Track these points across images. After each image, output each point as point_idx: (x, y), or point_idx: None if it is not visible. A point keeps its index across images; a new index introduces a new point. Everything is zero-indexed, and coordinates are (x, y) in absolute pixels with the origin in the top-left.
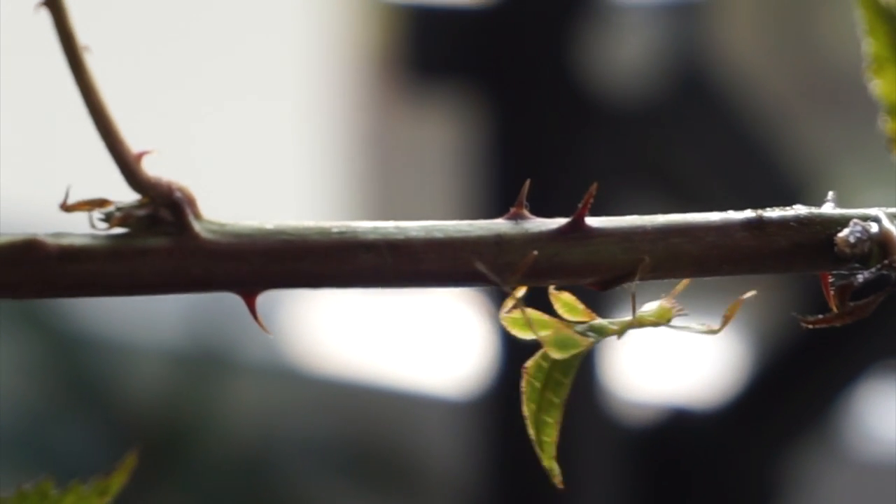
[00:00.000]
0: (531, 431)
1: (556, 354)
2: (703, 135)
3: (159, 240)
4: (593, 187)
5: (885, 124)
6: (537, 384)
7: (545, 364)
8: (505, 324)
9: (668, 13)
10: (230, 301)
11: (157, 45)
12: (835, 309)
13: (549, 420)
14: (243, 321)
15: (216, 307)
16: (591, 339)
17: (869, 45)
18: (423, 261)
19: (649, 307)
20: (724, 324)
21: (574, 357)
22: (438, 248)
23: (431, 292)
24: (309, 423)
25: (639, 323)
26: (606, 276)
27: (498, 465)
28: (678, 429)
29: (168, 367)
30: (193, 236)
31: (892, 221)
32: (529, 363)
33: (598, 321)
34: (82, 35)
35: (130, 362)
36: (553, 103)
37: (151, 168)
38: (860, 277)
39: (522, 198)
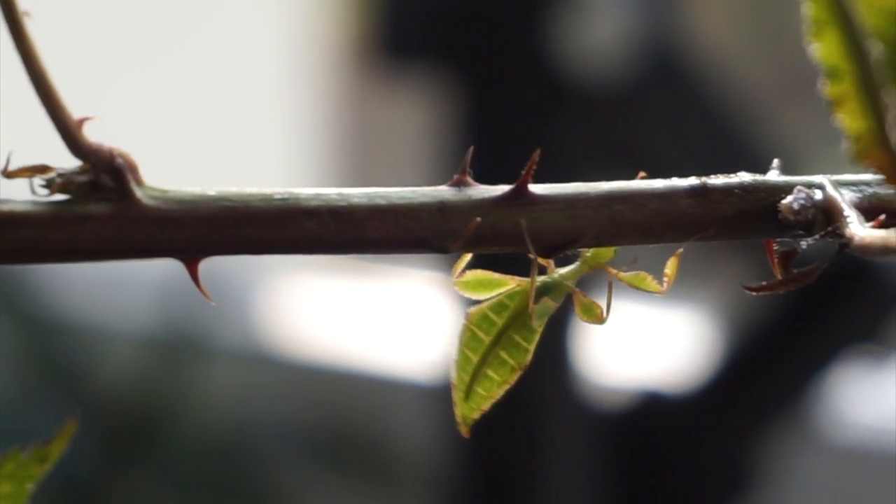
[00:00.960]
0: (456, 375)
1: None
2: (676, 117)
3: (100, 206)
4: (536, 153)
5: (826, 87)
6: (481, 335)
7: (496, 319)
8: (457, 287)
9: None
10: (204, 285)
11: (135, 31)
12: (778, 276)
13: (494, 377)
14: (217, 306)
15: (190, 291)
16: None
17: (808, 9)
18: (366, 228)
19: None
20: (668, 284)
21: (544, 312)
22: (381, 214)
23: (404, 277)
24: (283, 407)
25: (587, 265)
26: (550, 243)
27: (471, 450)
28: (651, 413)
29: (141, 352)
30: (135, 202)
31: (836, 189)
32: (473, 310)
33: (550, 276)
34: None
35: (103, 347)
36: (526, 85)
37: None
38: (804, 244)
39: (466, 165)
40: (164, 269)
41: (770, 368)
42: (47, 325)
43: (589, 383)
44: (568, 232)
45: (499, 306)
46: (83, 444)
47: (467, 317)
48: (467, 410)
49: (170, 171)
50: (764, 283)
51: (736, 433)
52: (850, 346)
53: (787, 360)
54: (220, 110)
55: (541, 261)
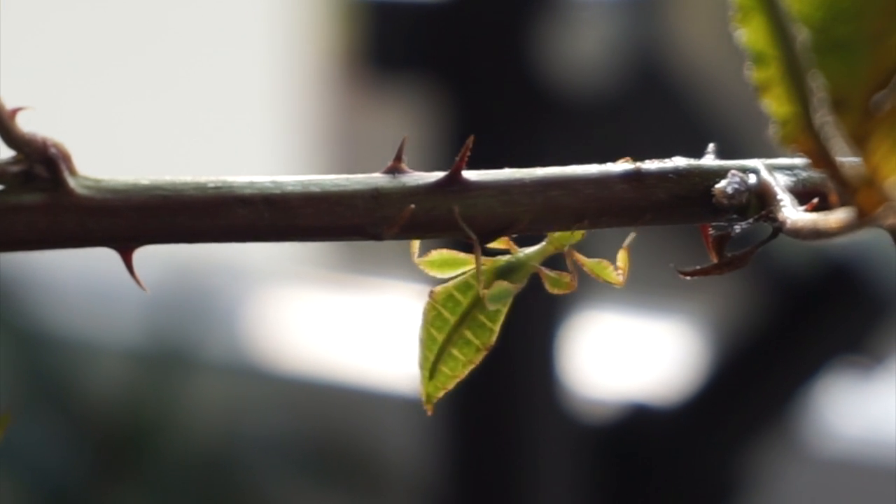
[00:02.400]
0: (421, 354)
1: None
2: (661, 128)
3: (34, 196)
4: (470, 139)
5: (752, 72)
6: (447, 314)
7: (461, 298)
8: (422, 266)
9: (626, 7)
10: (192, 299)
11: (124, 30)
12: (714, 259)
13: (459, 357)
14: (205, 319)
15: (177, 305)
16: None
17: None
18: (300, 215)
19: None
20: (623, 275)
21: (500, 296)
22: (315, 202)
23: (390, 289)
24: (271, 420)
25: (552, 246)
26: (485, 229)
27: (458, 462)
28: (639, 425)
29: (130, 365)
30: (68, 192)
31: (770, 172)
32: (438, 289)
33: (515, 256)
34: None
35: (92, 360)
36: (512, 96)
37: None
38: (737, 228)
39: (401, 152)
40: (153, 283)
41: (757, 380)
42: (35, 339)
43: (576, 395)
44: (503, 218)
45: (464, 286)
46: (72, 457)
47: (432, 295)
48: (432, 389)
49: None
50: (699, 267)
51: (723, 445)
52: (837, 357)
53: (774, 371)
54: (207, 119)
55: (505, 243)
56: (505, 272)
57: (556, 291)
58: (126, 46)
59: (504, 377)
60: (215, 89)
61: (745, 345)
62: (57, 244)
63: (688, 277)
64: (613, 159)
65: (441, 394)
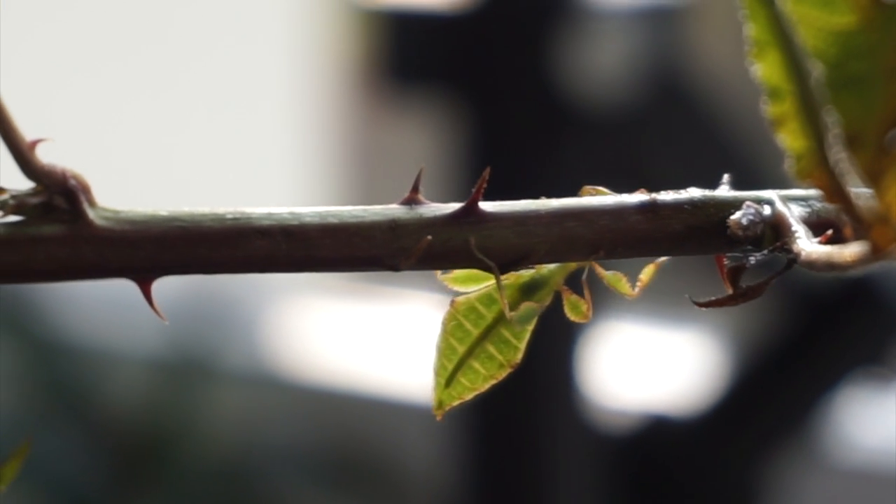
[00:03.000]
0: (437, 361)
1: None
2: (681, 140)
3: (54, 227)
4: (486, 172)
5: (768, 107)
6: (469, 325)
7: (485, 311)
8: (445, 282)
9: (645, 19)
10: (211, 309)
11: (142, 51)
12: (729, 290)
13: (481, 370)
14: (224, 330)
15: (198, 315)
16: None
17: (750, 30)
18: (318, 246)
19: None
20: (640, 289)
21: (527, 316)
22: (333, 233)
23: (409, 300)
24: (290, 430)
25: (575, 263)
26: (501, 260)
27: (477, 472)
28: (657, 436)
29: (149, 375)
30: (88, 223)
31: (785, 204)
32: (460, 299)
33: (539, 272)
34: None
35: (111, 370)
36: (531, 109)
37: (128, 182)
38: (752, 260)
39: (418, 183)
40: (172, 292)
41: (776, 391)
42: (55, 348)
43: (596, 406)
44: (519, 249)
45: (487, 298)
46: (91, 467)
47: (454, 305)
48: (446, 397)
49: (178, 194)
50: (713, 298)
51: (743, 456)
52: (856, 368)
53: (794, 382)
54: (228, 132)
55: None
56: (528, 289)
57: (572, 317)
58: (147, 61)
59: (524, 387)
60: (235, 102)
61: (765, 356)
62: (76, 275)
63: (703, 308)
64: (632, 172)
65: (455, 403)
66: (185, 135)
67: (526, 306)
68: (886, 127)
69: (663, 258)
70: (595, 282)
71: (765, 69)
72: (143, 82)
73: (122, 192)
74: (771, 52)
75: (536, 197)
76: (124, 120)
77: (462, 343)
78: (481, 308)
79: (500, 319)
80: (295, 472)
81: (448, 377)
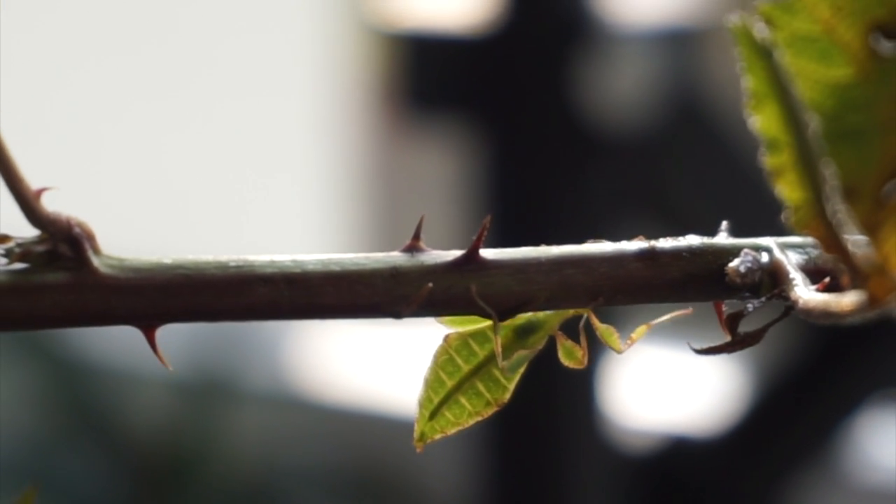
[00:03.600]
0: (423, 393)
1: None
2: (701, 164)
3: (59, 275)
4: (487, 220)
5: (766, 158)
6: (460, 361)
7: (477, 349)
8: (443, 324)
9: (665, 43)
10: (233, 331)
11: (163, 79)
12: (727, 337)
13: (467, 406)
14: (246, 350)
15: (219, 336)
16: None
17: (748, 82)
18: (321, 294)
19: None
20: (629, 345)
21: (517, 364)
22: (335, 281)
23: (429, 322)
24: (312, 451)
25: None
26: (502, 307)
27: (499, 492)
28: (679, 457)
29: (171, 396)
30: (92, 271)
31: (783, 251)
32: (453, 334)
33: (535, 315)
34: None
35: (134, 391)
36: (551, 132)
37: (146, 204)
38: (750, 307)
39: (419, 230)
40: None
41: (797, 412)
42: (78, 370)
43: (617, 426)
44: (519, 296)
45: (481, 336)
46: (114, 487)
47: (447, 339)
48: (429, 430)
49: (198, 219)
50: (714, 345)
51: (764, 477)
52: (878, 389)
53: (815, 403)
54: (248, 156)
55: None
56: (523, 332)
57: (567, 363)
58: (168, 88)
59: (545, 407)
60: (256, 125)
61: (786, 377)
62: (81, 322)
63: (703, 355)
64: (652, 196)
65: (438, 436)
66: (205, 155)
67: (518, 355)
68: (883, 179)
69: (658, 320)
70: (615, 320)
71: (763, 121)
72: (162, 107)
73: (144, 225)
74: (769, 105)
75: (558, 221)
76: (143, 151)
77: (451, 378)
78: (474, 345)
79: (491, 358)
80: (316, 493)
81: (433, 410)
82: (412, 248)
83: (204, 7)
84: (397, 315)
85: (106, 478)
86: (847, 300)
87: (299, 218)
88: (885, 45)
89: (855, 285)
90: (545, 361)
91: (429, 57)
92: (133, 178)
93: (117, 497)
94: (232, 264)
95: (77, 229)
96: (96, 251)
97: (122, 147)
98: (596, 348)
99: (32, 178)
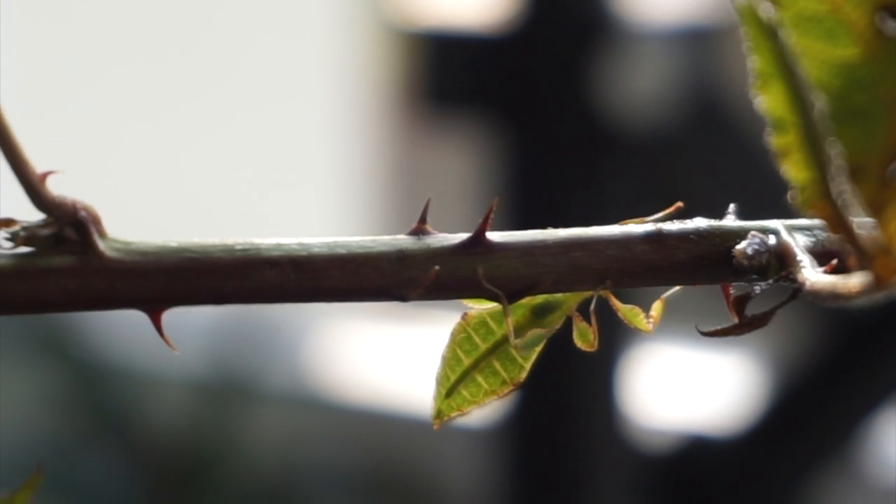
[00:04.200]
0: (441, 371)
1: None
2: (719, 162)
3: (64, 258)
4: (494, 202)
5: (772, 139)
6: (477, 339)
7: (495, 327)
8: (462, 302)
9: (683, 42)
10: (253, 330)
11: (181, 77)
12: (735, 319)
13: (483, 385)
14: (265, 351)
15: (238, 337)
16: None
17: (754, 62)
18: (327, 277)
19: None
20: (654, 324)
21: (532, 342)
22: (341, 264)
23: (448, 321)
24: (331, 451)
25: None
26: (509, 290)
27: (518, 492)
28: (698, 456)
29: (190, 397)
30: (98, 254)
31: (790, 234)
32: (472, 312)
33: (553, 296)
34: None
35: (153, 392)
36: (569, 131)
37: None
38: (757, 289)
39: (425, 213)
40: (214, 314)
41: (817, 411)
42: (97, 371)
43: (636, 426)
44: (526, 279)
45: (499, 315)
46: (133, 488)
47: (465, 318)
48: (446, 407)
49: (216, 218)
50: (722, 328)
51: (783, 476)
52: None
53: (834, 403)
54: (268, 155)
55: None
56: (540, 312)
57: (580, 345)
58: (187, 86)
59: (564, 407)
60: (276, 124)
61: (806, 376)
62: (87, 306)
63: (709, 337)
64: (671, 194)
65: (455, 414)
66: (224, 154)
67: (532, 333)
68: (889, 159)
69: (671, 290)
70: (631, 302)
71: (769, 101)
72: (184, 109)
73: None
74: (775, 85)
75: (577, 218)
76: (166, 153)
77: (469, 356)
78: (492, 324)
79: (508, 341)
80: (336, 493)
81: (450, 388)
82: (418, 232)
83: (224, 7)
84: (403, 298)
85: (126, 478)
86: (853, 282)
87: (320, 217)
88: (891, 25)
89: (861, 266)
90: (563, 360)
91: (448, 55)
92: (154, 177)
93: (137, 498)
94: (238, 247)
95: (83, 213)
96: (102, 235)
97: (148, 149)
98: (614, 347)
99: (38, 161)
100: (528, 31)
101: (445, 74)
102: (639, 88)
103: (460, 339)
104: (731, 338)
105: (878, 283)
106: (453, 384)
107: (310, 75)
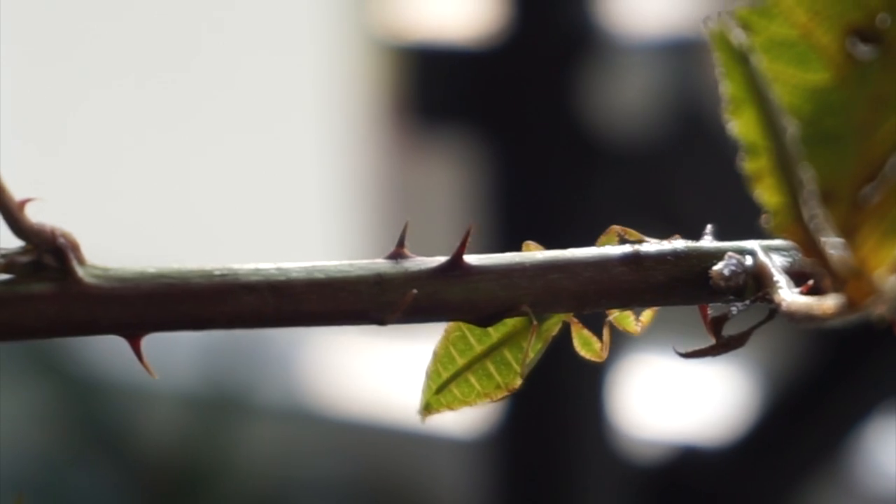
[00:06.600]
0: (432, 366)
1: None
2: (706, 174)
3: (43, 285)
4: (470, 226)
5: (745, 163)
6: (472, 340)
7: (492, 331)
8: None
9: (669, 54)
10: (245, 344)
11: (169, 92)
12: (712, 340)
13: (475, 386)
14: (258, 365)
15: (231, 351)
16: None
17: (726, 87)
18: (305, 301)
19: None
20: (642, 327)
21: (537, 345)
22: (319, 288)
23: (440, 335)
24: (325, 464)
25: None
26: (487, 312)
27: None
28: (688, 466)
29: (184, 411)
30: (77, 281)
31: (766, 254)
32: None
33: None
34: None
35: (146, 407)
36: (557, 144)
37: (161, 227)
38: (734, 310)
39: (403, 237)
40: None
41: (807, 421)
42: (89, 386)
43: (627, 436)
44: (504, 301)
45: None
46: (127, 502)
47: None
48: (434, 402)
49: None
50: (699, 348)
51: (774, 486)
52: (886, 398)
53: (824, 412)
54: (255, 170)
55: None
56: (539, 319)
57: (584, 354)
58: (174, 101)
59: (555, 418)
60: (263, 139)
61: (795, 386)
62: (66, 332)
63: (687, 359)
64: (658, 206)
65: (443, 411)
66: (211, 169)
67: (531, 348)
68: (860, 182)
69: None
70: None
71: (741, 126)
72: (168, 123)
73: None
74: (747, 109)
75: (563, 231)
76: (156, 167)
77: (462, 356)
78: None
79: (505, 341)
80: None
81: (441, 384)
82: (397, 255)
83: (212, 22)
84: (382, 322)
85: (119, 494)
86: (828, 304)
87: (309, 231)
88: (862, 49)
89: (835, 289)
90: (554, 371)
91: (435, 69)
92: (143, 191)
93: None
94: (216, 273)
95: (61, 240)
96: (81, 261)
97: (136, 162)
98: (606, 359)
99: (17, 187)
100: (515, 44)
101: (432, 88)
102: (625, 101)
103: (454, 338)
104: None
105: (851, 306)
106: (445, 381)
107: (297, 89)
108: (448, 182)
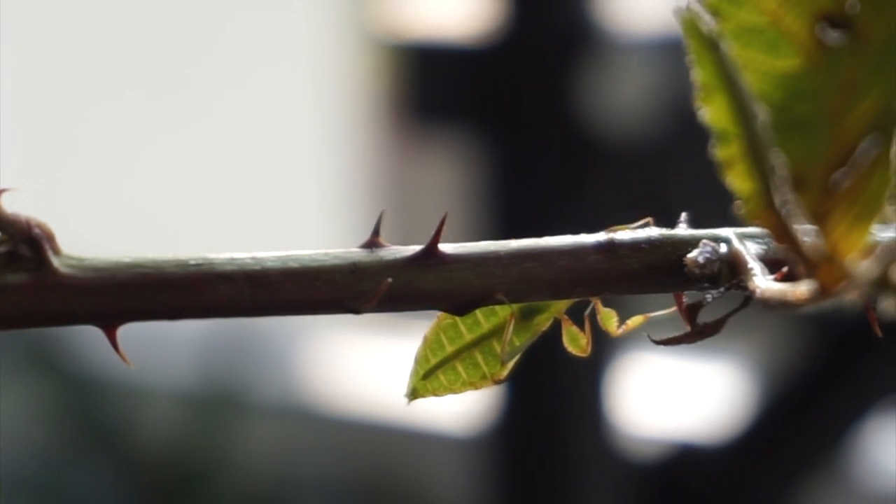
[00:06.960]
0: (421, 351)
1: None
2: (704, 171)
3: (18, 276)
4: (445, 216)
5: (716, 150)
6: (463, 329)
7: (483, 320)
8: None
9: (666, 52)
10: (242, 342)
11: (168, 90)
12: (687, 327)
13: (462, 374)
14: (255, 363)
15: (228, 349)
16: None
17: (697, 74)
18: (280, 290)
19: None
20: (624, 330)
21: (514, 355)
22: (294, 277)
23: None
24: (322, 462)
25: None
26: (461, 301)
27: (506, 502)
28: (686, 464)
29: (181, 409)
30: (52, 271)
31: (741, 242)
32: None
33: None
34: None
35: (143, 405)
36: (554, 142)
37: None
38: (709, 297)
39: (378, 226)
40: (204, 326)
41: (804, 418)
42: (87, 383)
43: (624, 434)
44: (479, 290)
45: (488, 310)
46: (124, 501)
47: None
48: (421, 388)
49: (205, 231)
50: (674, 336)
51: (771, 484)
52: (885, 395)
53: (822, 410)
54: (253, 168)
55: None
56: (528, 312)
57: (571, 349)
58: (174, 100)
59: (552, 416)
60: (261, 138)
61: (793, 383)
62: (41, 322)
63: (662, 346)
64: (656, 204)
65: (428, 396)
66: (208, 167)
67: (518, 337)
68: (831, 168)
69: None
70: (619, 310)
71: (712, 113)
72: (167, 120)
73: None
74: (718, 96)
75: (561, 228)
76: (154, 155)
77: (452, 343)
78: (480, 316)
79: (495, 332)
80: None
81: (428, 369)
82: (372, 244)
83: (208, 22)
84: (357, 311)
85: (116, 491)
86: (801, 290)
87: (306, 229)
88: (832, 35)
89: (807, 275)
90: (550, 368)
91: (433, 67)
92: (143, 190)
93: None
94: (191, 262)
95: (37, 230)
96: (56, 251)
97: (141, 162)
98: (602, 355)
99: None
100: (512, 42)
101: (430, 86)
102: (622, 99)
103: (445, 325)
104: (717, 345)
105: (824, 292)
106: (432, 367)
107: (294, 87)
108: (446, 179)
